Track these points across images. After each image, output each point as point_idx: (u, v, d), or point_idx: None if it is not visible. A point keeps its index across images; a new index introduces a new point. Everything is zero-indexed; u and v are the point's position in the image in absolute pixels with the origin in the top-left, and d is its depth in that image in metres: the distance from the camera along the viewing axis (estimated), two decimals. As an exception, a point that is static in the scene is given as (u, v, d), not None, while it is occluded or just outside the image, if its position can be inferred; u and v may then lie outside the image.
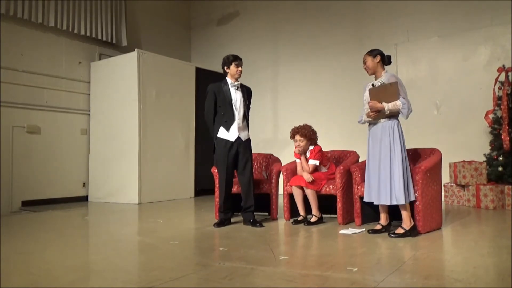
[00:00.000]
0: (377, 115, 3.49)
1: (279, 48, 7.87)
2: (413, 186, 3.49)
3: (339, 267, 2.50)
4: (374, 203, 3.57)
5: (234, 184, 4.31)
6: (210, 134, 4.21)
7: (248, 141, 4.19)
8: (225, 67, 4.11)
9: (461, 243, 3.24)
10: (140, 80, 6.51)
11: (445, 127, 6.02)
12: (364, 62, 3.64)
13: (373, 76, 3.68)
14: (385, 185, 3.42)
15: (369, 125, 3.65)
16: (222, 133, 4.08)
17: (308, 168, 4.21)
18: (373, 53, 3.60)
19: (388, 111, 3.42)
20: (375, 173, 3.52)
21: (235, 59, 4.09)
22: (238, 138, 4.06)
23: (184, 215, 5.25)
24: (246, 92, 4.21)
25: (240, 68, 4.12)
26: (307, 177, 4.10)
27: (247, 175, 4.10)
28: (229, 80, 4.12)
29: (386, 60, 3.61)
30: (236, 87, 4.11)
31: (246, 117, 4.17)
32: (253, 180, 4.22)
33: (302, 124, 4.31)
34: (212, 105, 4.11)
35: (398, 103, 3.40)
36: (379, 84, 3.55)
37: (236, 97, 4.09)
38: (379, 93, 3.46)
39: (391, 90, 3.40)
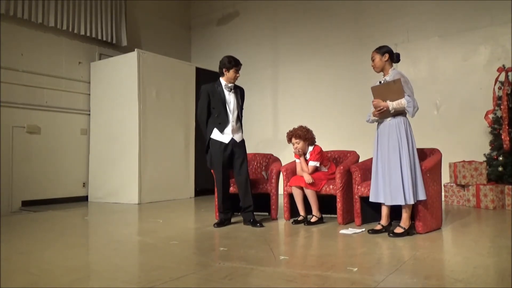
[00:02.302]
0: (383, 114, 3.46)
1: (279, 48, 7.87)
2: (423, 185, 3.42)
3: (339, 267, 2.50)
4: (386, 204, 3.51)
5: (232, 184, 4.31)
6: (204, 134, 4.17)
7: (242, 141, 4.19)
8: (224, 69, 4.07)
9: (461, 243, 3.24)
10: (140, 80, 6.51)
11: (445, 127, 6.02)
12: (372, 60, 3.59)
13: (381, 74, 3.64)
14: (397, 185, 3.35)
15: (377, 124, 3.61)
16: (216, 134, 4.06)
17: (307, 169, 4.20)
18: (381, 50, 3.55)
19: (393, 110, 3.39)
20: (384, 173, 3.46)
21: (236, 65, 4.06)
22: (232, 139, 4.07)
23: (184, 215, 5.25)
24: (240, 93, 4.20)
25: (238, 74, 4.11)
26: (307, 178, 4.10)
27: (244, 175, 4.10)
28: (223, 81, 4.11)
29: (394, 58, 3.57)
30: (229, 89, 4.10)
31: (239, 118, 4.17)
32: (250, 179, 4.22)
33: (296, 127, 4.32)
34: (205, 106, 4.10)
35: (403, 102, 3.36)
36: (386, 81, 3.51)
37: (230, 98, 4.09)
38: (382, 91, 3.42)
39: (394, 88, 3.36)
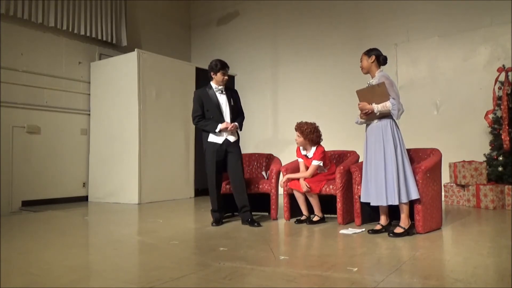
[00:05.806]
0: (369, 116, 3.53)
1: (279, 48, 7.87)
2: (416, 185, 3.45)
3: (339, 267, 2.50)
4: (371, 204, 3.57)
5: (227, 185, 4.36)
6: (209, 131, 4.16)
7: (237, 142, 4.23)
8: (212, 73, 4.15)
9: (461, 243, 3.23)
10: (140, 80, 6.51)
11: (445, 127, 6.02)
12: (361, 61, 3.67)
13: (369, 76, 3.71)
14: (380, 186, 3.43)
15: (366, 126, 3.68)
16: (211, 136, 4.13)
17: (305, 173, 4.18)
18: (369, 53, 3.62)
19: (379, 112, 3.45)
20: (371, 174, 3.53)
21: (223, 67, 4.13)
22: (226, 139, 4.12)
23: (184, 215, 5.25)
24: (231, 95, 4.26)
25: (226, 77, 4.18)
26: (303, 186, 4.09)
27: (239, 174, 4.14)
28: (213, 84, 4.18)
29: (381, 61, 3.62)
30: (220, 91, 4.17)
31: (231, 119, 4.18)
32: (246, 179, 4.24)
33: (308, 122, 4.26)
34: (200, 109, 4.16)
35: (387, 104, 3.42)
36: (371, 84, 3.57)
37: (222, 100, 4.16)
38: (367, 94, 3.50)
39: (379, 91, 3.43)
